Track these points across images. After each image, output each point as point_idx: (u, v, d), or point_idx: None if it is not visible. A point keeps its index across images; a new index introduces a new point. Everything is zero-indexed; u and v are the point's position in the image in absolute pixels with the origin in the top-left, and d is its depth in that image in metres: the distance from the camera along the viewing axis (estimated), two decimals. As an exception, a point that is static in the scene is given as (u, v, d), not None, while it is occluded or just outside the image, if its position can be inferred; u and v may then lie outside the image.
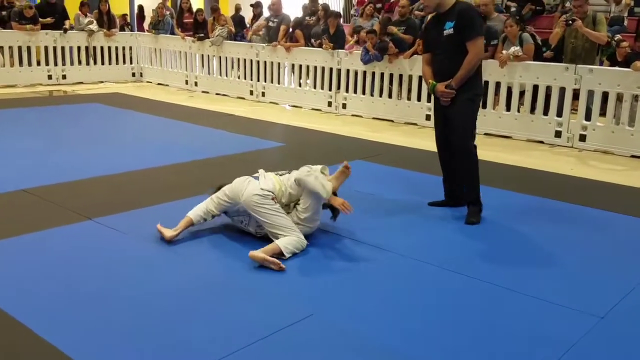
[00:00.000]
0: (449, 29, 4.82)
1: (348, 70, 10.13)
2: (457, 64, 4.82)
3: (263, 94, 11.35)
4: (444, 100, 4.93)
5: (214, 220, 4.46)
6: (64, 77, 12.57)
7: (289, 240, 4.07)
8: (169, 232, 4.21)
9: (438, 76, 4.98)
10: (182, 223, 4.28)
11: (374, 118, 9.78)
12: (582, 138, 7.92)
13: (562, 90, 8.03)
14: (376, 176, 6.15)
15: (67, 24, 12.62)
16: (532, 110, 8.34)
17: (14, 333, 3.03)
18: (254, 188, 4.20)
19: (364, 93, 9.99)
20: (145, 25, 14.80)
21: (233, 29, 12.27)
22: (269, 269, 3.82)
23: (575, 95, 8.04)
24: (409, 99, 9.50)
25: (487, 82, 8.58)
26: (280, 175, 4.40)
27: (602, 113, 7.91)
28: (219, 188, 4.47)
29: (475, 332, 3.18)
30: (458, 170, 5.08)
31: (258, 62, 11.33)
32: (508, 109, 8.54)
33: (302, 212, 4.24)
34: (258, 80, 11.41)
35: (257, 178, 4.34)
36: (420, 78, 9.23)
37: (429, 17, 5.41)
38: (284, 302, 3.45)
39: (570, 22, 7.86)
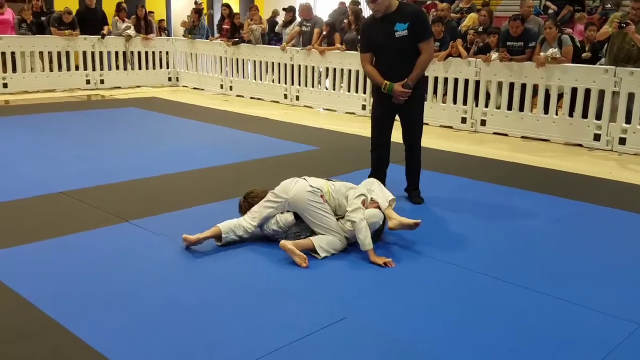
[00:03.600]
0: (402, 31, 4.95)
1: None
2: (408, 64, 5.01)
3: (297, 98, 11.37)
4: (400, 100, 5.05)
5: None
6: (102, 81, 12.77)
7: (327, 239, 4.03)
8: (192, 237, 4.11)
9: (387, 76, 5.10)
10: (210, 231, 4.16)
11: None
12: (622, 141, 7.75)
13: (602, 93, 7.87)
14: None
15: (105, 29, 12.81)
16: (571, 113, 8.19)
17: (50, 331, 3.06)
18: (304, 185, 4.18)
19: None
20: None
21: (266, 27, 12.34)
22: (302, 271, 3.81)
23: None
24: (443, 101, 9.42)
25: (524, 85, 8.49)
26: (331, 181, 4.37)
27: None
28: (244, 197, 4.43)
29: (510, 336, 3.13)
30: (410, 162, 5.37)
31: (292, 65, 11.36)
32: (546, 111, 8.40)
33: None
34: (292, 84, 11.44)
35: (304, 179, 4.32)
36: (456, 80, 9.16)
37: (368, 17, 5.35)
38: (316, 304, 3.43)
39: (624, 25, 7.56)
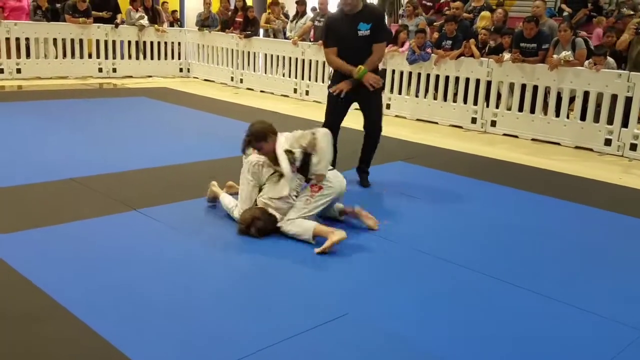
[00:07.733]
0: (364, 30, 5.18)
1: (393, 71, 10.08)
2: (365, 61, 5.25)
3: (307, 93, 11.36)
4: (370, 86, 5.25)
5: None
6: (114, 70, 12.80)
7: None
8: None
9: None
10: (220, 191, 4.57)
11: (417, 119, 9.70)
12: (633, 147, 7.71)
13: (614, 98, 7.83)
14: (416, 178, 6.09)
15: (119, 18, 12.85)
16: (582, 117, 8.15)
17: (58, 318, 3.09)
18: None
19: (408, 94, 9.91)
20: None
21: (286, 24, 12.40)
22: (305, 266, 3.84)
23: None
24: (454, 100, 9.40)
25: (536, 87, 8.45)
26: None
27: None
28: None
29: (511, 338, 3.13)
30: (370, 146, 5.65)
31: (303, 60, 11.34)
32: (557, 114, 8.37)
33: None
34: (302, 79, 11.43)
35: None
36: (467, 80, 9.13)
37: (335, 13, 5.54)
38: (319, 299, 3.44)
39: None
